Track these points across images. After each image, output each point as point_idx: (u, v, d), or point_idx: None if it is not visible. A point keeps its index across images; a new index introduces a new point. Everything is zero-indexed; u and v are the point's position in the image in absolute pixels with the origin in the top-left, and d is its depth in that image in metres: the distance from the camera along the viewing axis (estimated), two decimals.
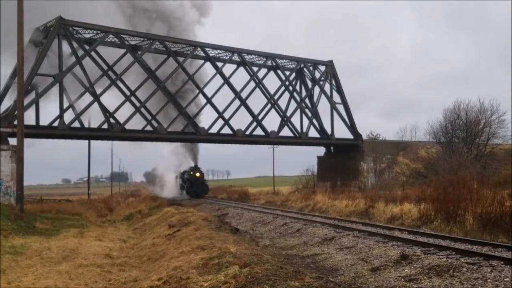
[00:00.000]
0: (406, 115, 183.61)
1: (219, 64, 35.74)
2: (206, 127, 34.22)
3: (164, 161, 69.01)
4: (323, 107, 41.58)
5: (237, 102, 35.66)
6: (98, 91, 30.08)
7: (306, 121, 39.56)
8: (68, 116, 29.29)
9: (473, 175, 24.74)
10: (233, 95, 35.57)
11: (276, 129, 37.25)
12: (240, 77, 37.72)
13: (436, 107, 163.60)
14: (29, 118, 27.31)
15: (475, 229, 14.71)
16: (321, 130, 39.80)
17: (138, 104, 31.32)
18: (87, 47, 30.20)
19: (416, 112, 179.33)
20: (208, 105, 34.52)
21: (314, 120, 39.49)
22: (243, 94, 36.03)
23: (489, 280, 8.04)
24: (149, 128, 31.69)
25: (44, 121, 30.08)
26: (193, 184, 47.22)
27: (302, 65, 40.27)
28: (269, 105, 37.33)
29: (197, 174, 47.69)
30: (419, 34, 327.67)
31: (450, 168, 35.03)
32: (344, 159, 41.36)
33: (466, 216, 15.48)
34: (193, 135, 34.32)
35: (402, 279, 8.77)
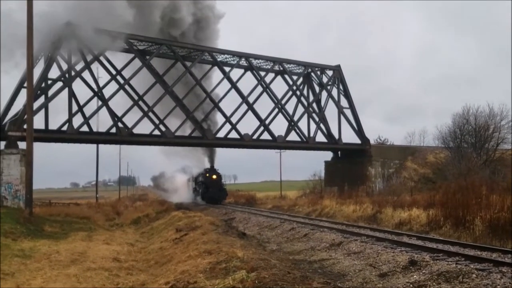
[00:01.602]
0: (411, 119, 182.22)
1: (227, 69, 35.88)
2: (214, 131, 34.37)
3: (174, 164, 66.93)
4: (331, 111, 41.60)
5: (244, 107, 35.74)
6: (107, 95, 30.34)
7: (313, 126, 39.53)
8: (77, 121, 29.55)
9: (482, 181, 24.56)
10: (240, 100, 35.66)
11: (283, 134, 37.23)
12: (248, 82, 37.85)
13: (442, 110, 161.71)
14: (38, 122, 27.55)
15: (484, 235, 14.57)
16: (329, 134, 39.73)
17: (146, 109, 31.48)
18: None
19: (422, 115, 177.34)
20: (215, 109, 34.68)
21: (321, 125, 39.42)
22: (251, 99, 36.09)
23: (498, 286, 7.95)
24: (157, 132, 31.86)
25: (53, 125, 30.37)
26: (209, 188, 41.33)
27: (310, 70, 40.27)
28: (276, 110, 37.36)
29: (214, 176, 41.61)
30: (424, 35, 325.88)
31: (459, 173, 34.77)
32: (351, 164, 41.20)
33: (475, 222, 15.34)
34: (200, 140, 34.41)
35: (411, 285, 8.71)
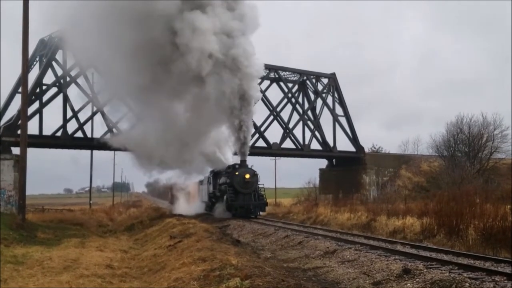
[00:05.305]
0: (408, 125, 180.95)
1: None
2: None
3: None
4: (326, 119, 41.80)
5: None
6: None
7: (308, 133, 39.71)
8: (71, 126, 29.47)
9: (475, 190, 24.67)
10: None
11: (278, 141, 37.31)
12: None
13: (441, 117, 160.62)
14: (32, 127, 27.48)
15: (477, 244, 14.61)
16: (323, 142, 39.86)
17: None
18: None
19: (420, 122, 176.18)
20: None
21: (316, 132, 39.57)
22: None
23: None
24: None
25: (47, 130, 30.29)
26: (239, 193, 25.92)
27: (305, 78, 40.49)
28: (272, 117, 37.47)
29: (247, 176, 26.02)
30: (423, 39, 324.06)
31: (452, 182, 34.95)
32: (346, 171, 41.33)
33: (469, 230, 15.39)
34: None
35: None
